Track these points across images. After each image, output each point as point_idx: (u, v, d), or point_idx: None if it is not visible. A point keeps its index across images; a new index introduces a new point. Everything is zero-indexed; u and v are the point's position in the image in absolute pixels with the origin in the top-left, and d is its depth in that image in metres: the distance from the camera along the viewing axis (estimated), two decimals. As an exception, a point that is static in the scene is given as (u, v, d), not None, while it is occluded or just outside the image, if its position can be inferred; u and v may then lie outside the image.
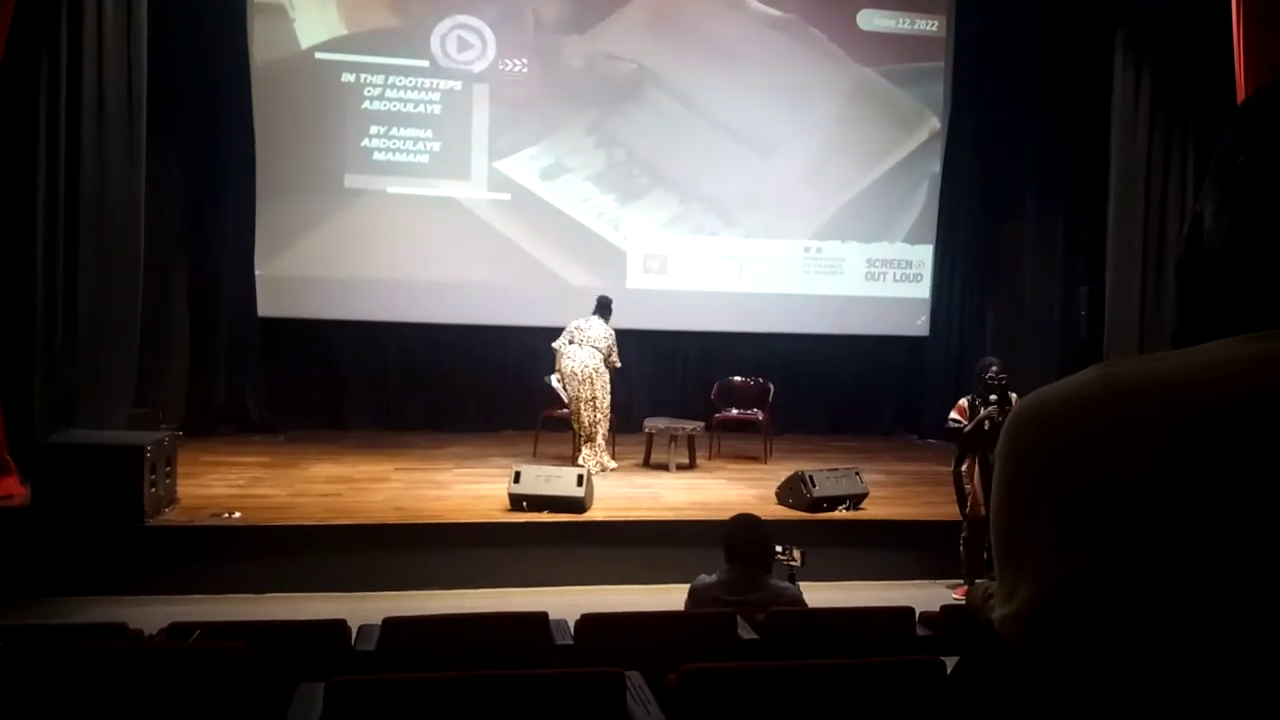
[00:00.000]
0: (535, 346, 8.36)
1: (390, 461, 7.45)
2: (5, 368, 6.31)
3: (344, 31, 8.60)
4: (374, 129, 8.64)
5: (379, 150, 8.65)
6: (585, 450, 7.25)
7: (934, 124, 9.49)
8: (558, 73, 8.93)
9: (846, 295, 9.45)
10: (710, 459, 8.04)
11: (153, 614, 4.30)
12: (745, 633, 3.37)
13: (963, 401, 5.60)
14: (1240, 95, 6.21)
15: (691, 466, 7.71)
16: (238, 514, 5.82)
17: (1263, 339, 0.62)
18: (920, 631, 3.62)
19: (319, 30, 8.55)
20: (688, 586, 3.87)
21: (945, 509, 5.99)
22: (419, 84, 8.68)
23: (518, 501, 6.05)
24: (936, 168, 9.53)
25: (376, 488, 6.67)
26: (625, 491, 6.81)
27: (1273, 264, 0.65)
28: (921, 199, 9.55)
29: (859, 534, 6.20)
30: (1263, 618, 0.56)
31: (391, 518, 5.97)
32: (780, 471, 6.97)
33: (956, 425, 5.56)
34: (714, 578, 3.78)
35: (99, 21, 6.66)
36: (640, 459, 7.79)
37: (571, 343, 7.30)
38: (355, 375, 8.85)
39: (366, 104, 8.62)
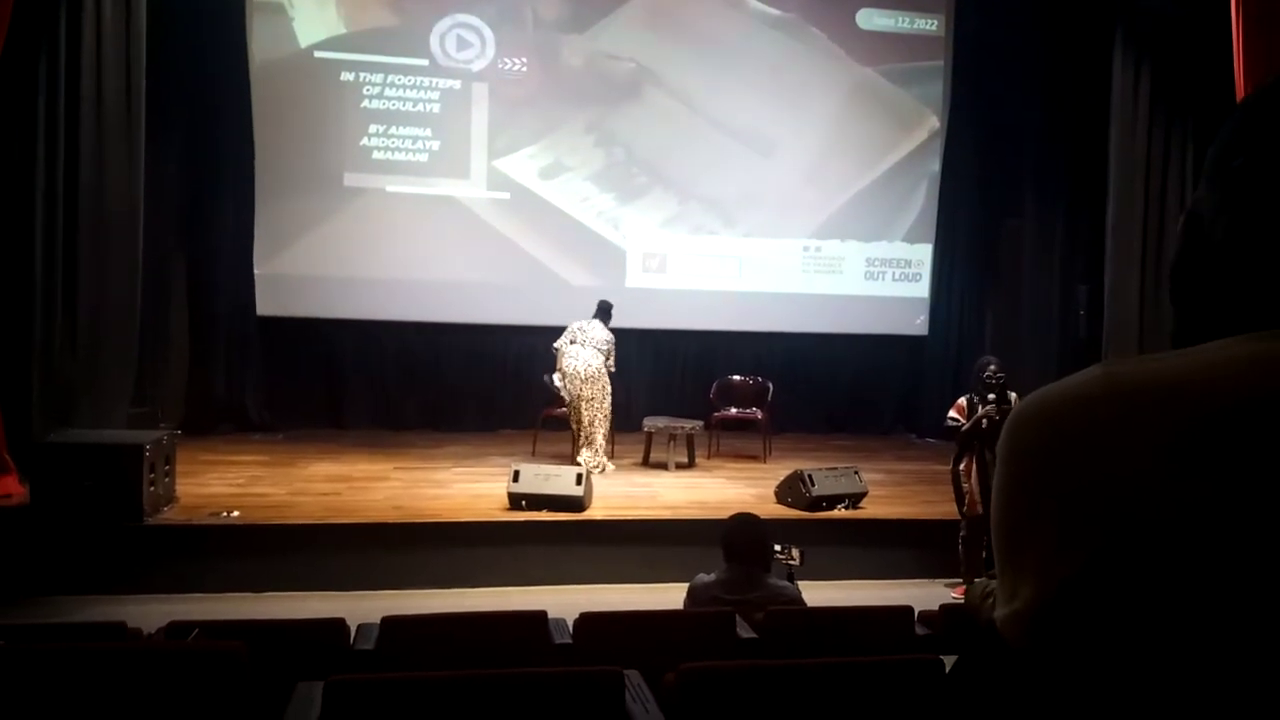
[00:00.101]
0: (534, 346, 8.36)
1: (389, 460, 7.45)
2: (4, 367, 6.31)
3: (343, 30, 8.59)
4: (373, 128, 8.63)
5: (378, 149, 8.65)
6: (585, 452, 7.26)
7: (933, 123, 9.49)
8: (557, 71, 8.92)
9: (846, 294, 9.45)
10: (709, 458, 8.05)
11: (151, 613, 4.30)
12: (744, 632, 3.37)
13: (961, 400, 5.61)
14: (1240, 95, 6.21)
15: (690, 465, 7.71)
16: (236, 513, 5.81)
17: (1263, 339, 0.62)
18: (919, 630, 3.62)
19: (318, 29, 8.55)
20: (686, 585, 3.87)
21: (944, 508, 5.99)
22: (418, 83, 8.68)
23: (517, 500, 6.05)
24: (936, 167, 9.53)
25: (375, 487, 6.67)
26: (624, 490, 6.82)
27: (1271, 264, 0.65)
28: (921, 198, 9.55)
29: (858, 533, 6.21)
30: (1263, 618, 0.56)
31: (390, 517, 5.97)
32: (779, 470, 6.97)
33: (955, 424, 5.57)
34: (713, 577, 3.78)
35: (98, 20, 6.66)
36: (639, 458, 7.79)
37: (573, 343, 7.31)
38: (354, 374, 8.84)
39: (366, 103, 8.61)
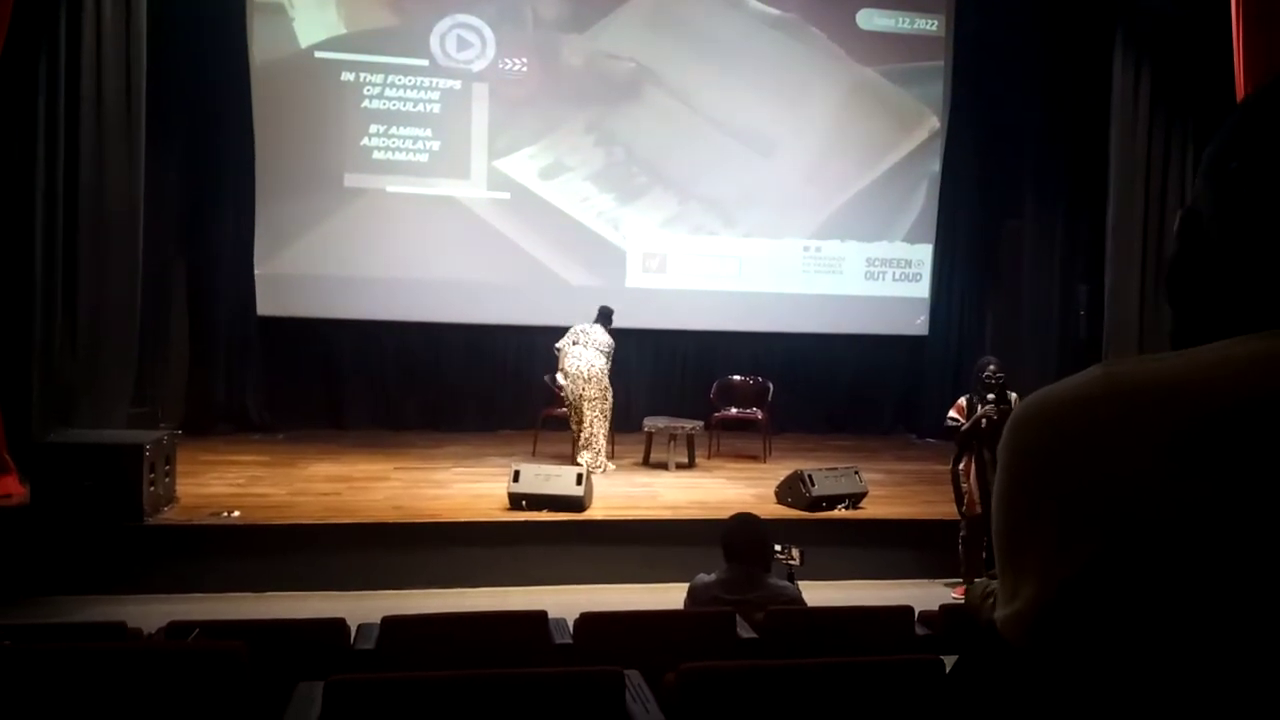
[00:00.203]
0: (534, 345, 8.37)
1: (389, 460, 7.45)
2: (4, 367, 6.31)
3: (343, 30, 8.59)
4: (373, 128, 8.64)
5: (378, 149, 8.65)
6: (585, 452, 7.26)
7: (933, 123, 9.49)
8: (557, 71, 8.92)
9: (846, 294, 9.45)
10: (709, 458, 8.05)
11: (152, 613, 4.30)
12: (744, 632, 3.37)
13: (961, 400, 5.61)
14: (1240, 95, 6.21)
15: (690, 465, 7.71)
16: (237, 513, 5.82)
17: (1262, 339, 0.62)
18: (919, 630, 3.62)
19: (318, 29, 8.55)
20: (687, 585, 3.87)
21: (944, 508, 5.99)
22: (418, 83, 8.68)
23: (517, 500, 6.05)
24: (936, 167, 9.53)
25: (376, 487, 6.67)
26: (624, 490, 6.82)
27: (1268, 266, 0.65)
28: (921, 198, 9.55)
29: (858, 533, 6.21)
30: (1263, 618, 0.56)
31: (391, 517, 5.97)
32: (779, 470, 6.97)
33: (955, 424, 5.57)
34: (713, 577, 3.78)
35: (98, 20, 6.66)
36: (639, 458, 7.79)
37: (575, 344, 7.32)
38: (354, 374, 8.84)
39: (366, 103, 8.62)
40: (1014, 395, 5.44)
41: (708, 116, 9.08)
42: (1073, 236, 9.07)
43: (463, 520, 5.96)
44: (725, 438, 8.36)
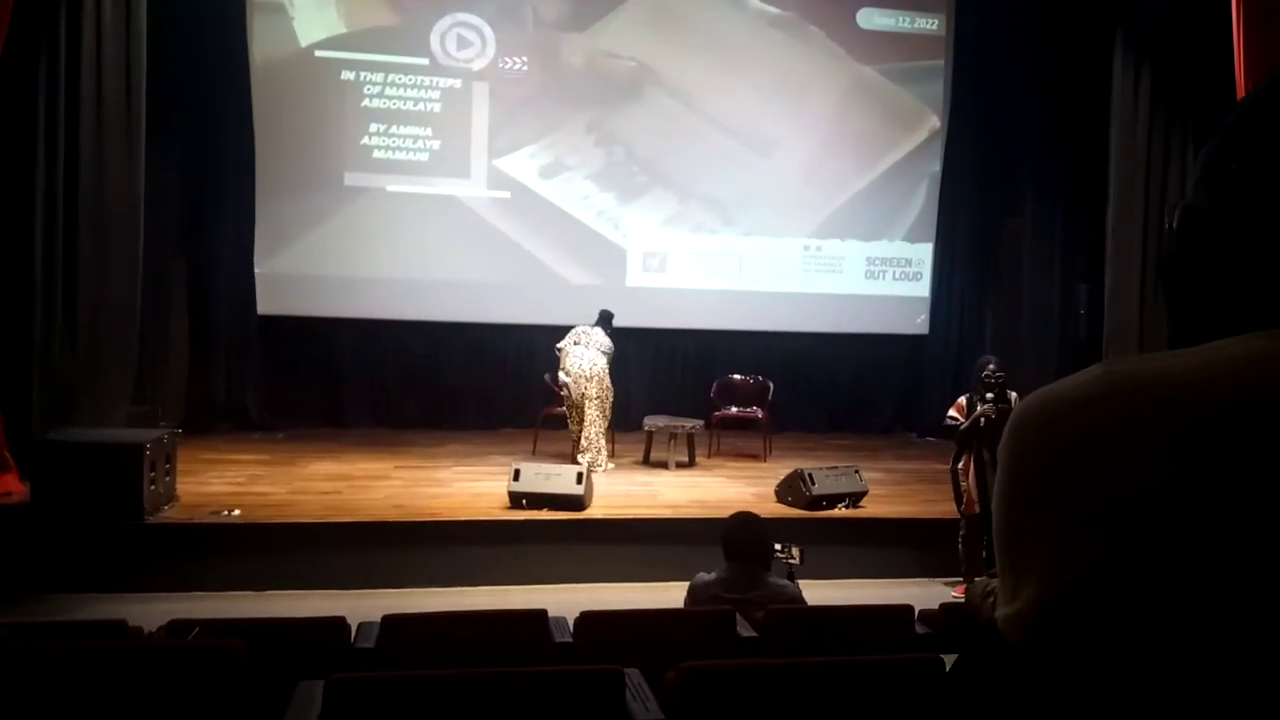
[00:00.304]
0: (535, 345, 8.37)
1: (390, 459, 7.45)
2: (4, 366, 6.32)
3: (343, 29, 8.59)
4: (374, 127, 8.63)
5: (379, 148, 8.65)
6: (585, 454, 7.26)
7: (934, 122, 9.49)
8: (557, 71, 8.92)
9: (846, 293, 9.45)
10: (709, 457, 8.05)
11: (152, 611, 4.29)
12: (744, 630, 3.37)
13: (961, 400, 5.62)
14: (1240, 95, 6.21)
15: (691, 464, 7.71)
16: (237, 511, 5.82)
17: (1262, 338, 0.62)
18: (919, 629, 3.62)
19: (318, 28, 8.55)
20: (687, 584, 3.87)
21: (944, 507, 6.00)
22: (418, 82, 8.68)
23: (517, 499, 6.05)
24: (936, 166, 9.53)
25: (376, 485, 6.67)
26: (624, 489, 6.82)
27: (1266, 266, 0.65)
28: (921, 197, 9.55)
29: (858, 532, 6.21)
30: (1263, 618, 0.56)
31: (391, 515, 5.97)
32: (779, 469, 6.98)
33: (954, 423, 5.57)
34: (713, 575, 3.78)
35: (98, 20, 6.66)
36: (639, 457, 7.79)
37: (577, 344, 7.33)
38: (354, 374, 8.84)
39: (366, 102, 8.61)
40: (1014, 395, 5.45)
41: (708, 116, 9.08)
42: (1073, 236, 9.07)
43: (463, 519, 5.97)
44: (725, 437, 8.36)
